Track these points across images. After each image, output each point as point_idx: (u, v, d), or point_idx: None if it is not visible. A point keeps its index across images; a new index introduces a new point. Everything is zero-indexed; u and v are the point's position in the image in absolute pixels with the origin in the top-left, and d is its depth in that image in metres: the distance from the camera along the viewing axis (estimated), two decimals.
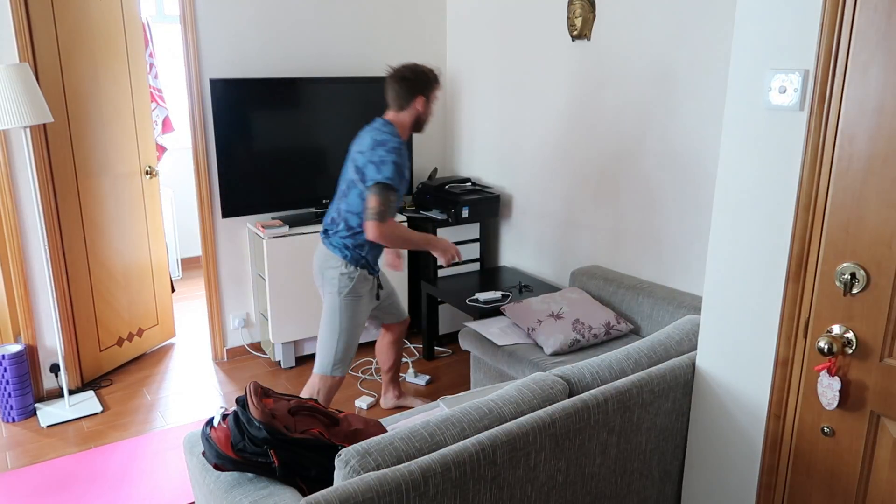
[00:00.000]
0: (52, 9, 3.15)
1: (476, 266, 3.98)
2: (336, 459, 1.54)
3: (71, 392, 3.42)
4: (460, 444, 1.55)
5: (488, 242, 4.09)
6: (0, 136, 3.05)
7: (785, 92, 1.60)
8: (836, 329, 1.59)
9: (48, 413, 3.22)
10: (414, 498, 1.44)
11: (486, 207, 3.82)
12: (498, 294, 3.29)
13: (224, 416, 1.76)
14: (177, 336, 4.22)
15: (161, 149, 4.94)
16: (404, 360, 3.79)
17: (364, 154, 2.55)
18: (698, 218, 2.83)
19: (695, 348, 2.13)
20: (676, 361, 1.98)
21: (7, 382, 3.14)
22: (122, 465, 2.83)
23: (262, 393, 1.79)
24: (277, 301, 3.58)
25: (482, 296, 3.25)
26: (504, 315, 3.10)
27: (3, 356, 3.11)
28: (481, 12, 3.89)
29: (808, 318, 1.65)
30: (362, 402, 3.30)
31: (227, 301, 3.83)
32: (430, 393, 3.46)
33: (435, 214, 3.85)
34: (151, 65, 4.72)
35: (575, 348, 2.78)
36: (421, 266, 3.95)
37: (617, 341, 2.84)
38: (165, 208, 5.13)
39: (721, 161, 1.77)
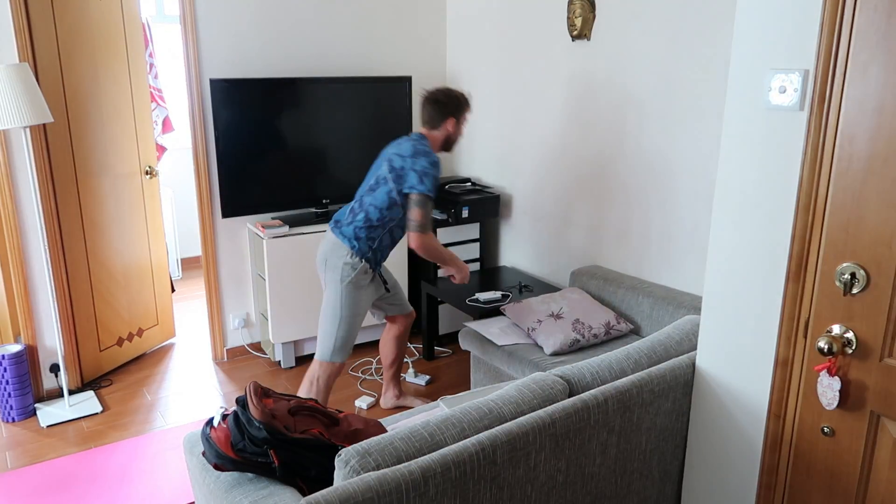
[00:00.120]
0: (51, 9, 3.15)
1: (476, 266, 3.98)
2: (336, 459, 1.54)
3: (71, 392, 3.42)
4: (460, 444, 1.55)
5: (488, 242, 4.09)
6: (0, 136, 3.05)
7: (785, 92, 1.60)
8: (836, 329, 1.59)
9: (48, 413, 3.22)
10: (414, 498, 1.44)
11: (486, 207, 3.82)
12: (498, 294, 3.29)
13: (224, 416, 1.76)
14: (177, 336, 4.22)
15: (161, 149, 4.94)
16: (404, 359, 3.79)
17: (404, 159, 2.66)
18: (698, 217, 2.83)
19: (695, 348, 2.13)
20: (676, 361, 1.98)
21: (7, 382, 3.14)
22: (122, 465, 2.83)
23: (262, 393, 1.79)
24: (277, 301, 3.58)
25: (482, 296, 3.25)
26: (504, 315, 3.10)
27: (3, 356, 3.11)
28: (481, 12, 3.89)
29: (808, 318, 1.65)
30: (362, 402, 3.30)
31: (227, 301, 3.83)
32: (430, 393, 3.46)
33: (435, 214, 3.85)
34: (151, 65, 4.72)
35: (575, 348, 2.78)
36: (421, 266, 3.95)
37: (617, 341, 2.84)
38: (165, 208, 5.13)
39: (721, 161, 1.77)
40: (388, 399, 3.27)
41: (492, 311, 3.17)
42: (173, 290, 4.38)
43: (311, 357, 3.85)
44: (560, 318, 2.85)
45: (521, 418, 1.66)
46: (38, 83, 3.11)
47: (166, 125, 4.94)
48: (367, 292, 2.80)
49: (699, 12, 2.68)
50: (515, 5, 3.62)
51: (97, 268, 3.54)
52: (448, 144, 2.85)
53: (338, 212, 2.85)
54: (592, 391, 1.80)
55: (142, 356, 3.93)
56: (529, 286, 3.47)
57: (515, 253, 3.93)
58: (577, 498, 1.80)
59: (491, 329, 2.98)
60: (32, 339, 3.30)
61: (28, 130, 2.94)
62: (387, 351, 3.19)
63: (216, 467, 1.71)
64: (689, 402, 2.01)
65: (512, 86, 3.74)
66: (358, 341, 3.94)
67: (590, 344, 2.81)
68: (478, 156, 4.12)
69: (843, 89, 1.51)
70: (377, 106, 3.84)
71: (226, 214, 3.57)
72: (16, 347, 3.21)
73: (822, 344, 1.57)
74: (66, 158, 3.32)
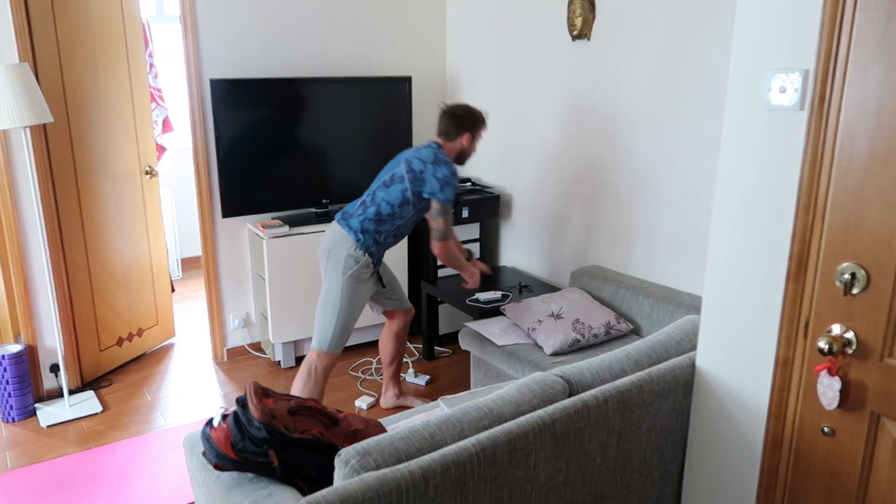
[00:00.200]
0: (52, 9, 3.15)
1: None
2: (336, 459, 1.54)
3: (71, 392, 3.42)
4: (460, 444, 1.55)
5: (488, 242, 4.09)
6: (0, 136, 3.05)
7: (785, 92, 1.60)
8: (836, 329, 1.59)
9: (48, 413, 3.22)
10: (414, 498, 1.44)
11: (486, 207, 3.82)
12: (498, 294, 3.29)
13: (224, 416, 1.76)
14: (177, 336, 4.22)
15: (161, 149, 4.94)
16: (404, 360, 3.79)
17: (425, 164, 2.73)
18: (698, 217, 2.83)
19: (695, 348, 2.13)
20: (676, 361, 1.98)
21: (7, 382, 3.14)
22: (122, 465, 2.83)
23: (262, 393, 1.79)
24: (277, 301, 3.58)
25: (482, 296, 3.25)
26: (504, 315, 3.10)
27: (3, 356, 3.11)
28: (481, 12, 3.89)
29: (809, 318, 1.65)
30: (362, 402, 3.30)
31: (227, 301, 3.83)
32: (430, 393, 3.46)
33: None
34: (151, 65, 4.72)
35: (575, 348, 2.78)
36: (421, 266, 3.95)
37: (617, 341, 2.84)
38: (165, 208, 5.13)
39: (721, 161, 1.77)
40: (388, 399, 3.27)
41: (492, 311, 3.17)
42: (173, 290, 4.38)
43: None
44: (560, 318, 2.85)
45: (521, 418, 1.66)
46: (38, 83, 3.11)
47: (166, 125, 4.94)
48: (367, 286, 2.85)
49: (699, 12, 2.68)
50: (515, 5, 3.62)
51: (97, 268, 3.54)
52: (461, 158, 2.91)
53: (347, 205, 2.91)
54: (592, 391, 1.80)
55: (142, 356, 3.93)
56: (529, 286, 3.47)
57: (515, 253, 3.93)
58: (577, 498, 1.80)
59: (491, 329, 2.98)
60: (32, 339, 3.30)
61: (28, 130, 2.94)
62: (386, 349, 3.20)
63: (216, 467, 1.71)
64: (689, 402, 2.01)
65: (512, 86, 3.75)
66: (358, 341, 3.95)
67: (590, 344, 2.81)
68: (478, 156, 4.12)
69: (843, 89, 1.51)
70: (377, 106, 3.84)
71: (226, 214, 3.57)
72: (16, 347, 3.21)
73: (823, 344, 1.57)
74: (66, 158, 3.32)
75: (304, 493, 1.70)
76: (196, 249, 5.48)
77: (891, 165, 1.45)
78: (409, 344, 4.02)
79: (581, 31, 3.20)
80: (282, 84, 3.56)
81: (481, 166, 4.11)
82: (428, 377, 3.58)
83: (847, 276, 1.54)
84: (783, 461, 1.78)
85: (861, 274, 1.53)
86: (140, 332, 3.88)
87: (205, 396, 3.46)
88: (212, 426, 1.76)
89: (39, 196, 3.13)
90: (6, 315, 3.38)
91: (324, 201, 3.81)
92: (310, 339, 3.72)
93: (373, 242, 2.79)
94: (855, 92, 1.49)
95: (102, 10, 3.44)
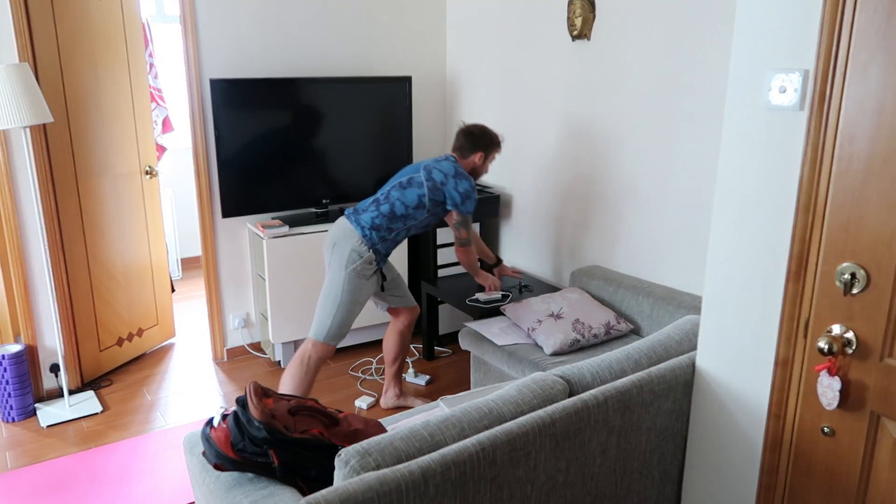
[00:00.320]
0: (52, 9, 3.15)
1: None
2: (336, 459, 1.54)
3: (71, 392, 3.42)
4: (460, 444, 1.55)
5: (488, 242, 4.09)
6: (0, 136, 3.05)
7: (785, 92, 1.60)
8: (836, 329, 1.59)
9: (48, 413, 3.22)
10: (414, 498, 1.44)
11: (486, 207, 3.82)
12: (498, 294, 3.29)
13: (224, 416, 1.76)
14: (177, 336, 4.22)
15: (161, 149, 4.94)
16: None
17: (447, 177, 2.84)
18: (698, 217, 2.83)
19: (695, 348, 2.13)
20: (676, 361, 1.98)
21: (7, 382, 3.14)
22: (122, 465, 2.83)
23: (262, 393, 1.79)
24: (277, 301, 3.58)
25: (482, 296, 3.25)
26: (504, 315, 3.10)
27: (3, 356, 3.12)
28: (481, 12, 3.89)
29: (808, 318, 1.65)
30: (362, 402, 3.30)
31: (227, 301, 3.83)
32: (430, 393, 3.46)
33: None
34: (151, 65, 4.72)
35: (575, 348, 2.78)
36: (422, 266, 3.95)
37: (617, 341, 2.84)
38: (165, 208, 5.13)
39: (721, 161, 1.77)
40: (388, 398, 3.27)
41: (492, 311, 3.17)
42: (173, 290, 4.38)
43: None
44: (560, 318, 2.85)
45: (521, 418, 1.66)
46: (38, 83, 3.11)
47: (166, 125, 4.94)
48: (369, 284, 2.87)
49: (699, 12, 2.68)
50: (515, 5, 3.62)
51: (97, 268, 3.55)
52: (473, 175, 2.99)
53: (359, 203, 2.98)
54: (592, 391, 1.80)
55: (142, 356, 3.93)
56: (529, 286, 3.47)
57: (515, 253, 3.93)
58: (577, 498, 1.80)
59: (491, 329, 2.98)
60: (32, 339, 3.31)
61: (28, 130, 2.94)
62: (389, 346, 3.21)
63: (216, 467, 1.71)
64: (689, 402, 2.01)
65: (512, 86, 3.75)
66: (358, 341, 3.95)
67: (590, 344, 2.81)
68: None
69: (843, 89, 1.51)
70: (377, 106, 3.84)
71: (226, 214, 3.57)
72: (16, 347, 3.21)
73: (822, 344, 1.57)
74: (66, 158, 3.32)
75: (304, 493, 1.70)
76: (196, 249, 5.48)
77: (891, 165, 1.45)
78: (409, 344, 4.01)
79: (581, 31, 3.20)
80: (282, 84, 3.56)
81: None
82: (428, 377, 3.58)
83: (847, 276, 1.54)
84: (783, 461, 1.78)
85: (861, 274, 1.53)
86: (140, 332, 3.88)
87: (205, 396, 3.46)
88: (212, 426, 1.76)
89: (39, 196, 3.13)
90: (6, 315, 3.38)
91: (324, 201, 3.81)
92: None
93: (380, 240, 2.83)
94: (855, 92, 1.49)
95: (102, 10, 3.44)
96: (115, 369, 3.74)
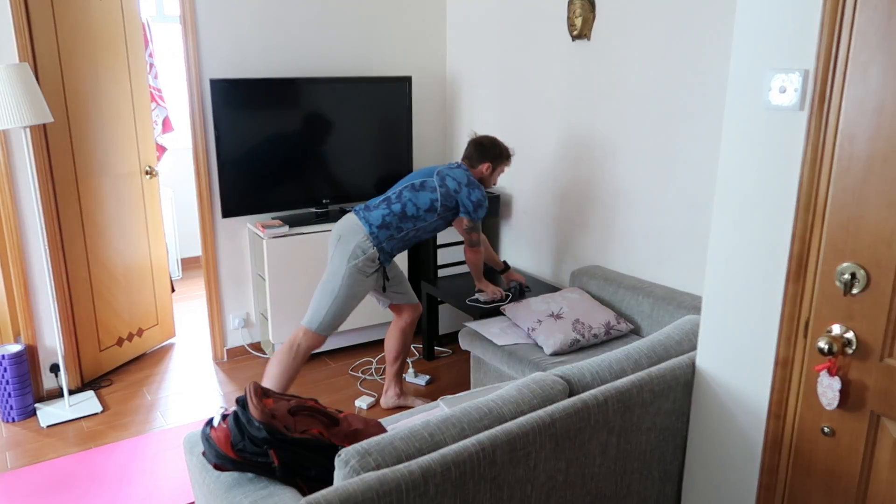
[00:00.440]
0: (52, 9, 3.15)
1: None
2: (336, 459, 1.54)
3: (71, 392, 3.42)
4: (460, 444, 1.55)
5: (489, 243, 4.09)
6: (0, 136, 3.05)
7: (785, 92, 1.60)
8: (836, 329, 1.59)
9: (48, 413, 3.22)
10: (414, 498, 1.44)
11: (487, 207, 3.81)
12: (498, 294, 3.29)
13: (224, 416, 1.76)
14: (177, 336, 4.22)
15: (161, 149, 4.94)
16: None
17: (460, 185, 2.91)
18: (698, 217, 2.83)
19: (695, 348, 2.13)
20: (676, 361, 1.98)
21: (7, 382, 3.14)
22: (122, 465, 2.83)
23: (262, 393, 1.79)
24: (277, 301, 3.58)
25: (482, 296, 3.25)
26: (504, 315, 3.10)
27: (3, 356, 3.12)
28: (481, 12, 3.89)
29: (808, 318, 1.65)
30: (362, 402, 3.30)
31: (227, 301, 3.83)
32: (430, 393, 3.46)
33: None
34: (151, 65, 4.72)
35: (575, 348, 2.78)
36: (422, 266, 3.95)
37: (617, 341, 2.84)
38: (165, 208, 5.13)
39: (721, 161, 1.77)
40: (388, 398, 3.27)
41: (492, 311, 3.17)
42: (173, 290, 4.38)
43: (311, 357, 3.85)
44: (560, 318, 2.85)
45: (521, 418, 1.66)
46: (38, 83, 3.11)
47: (166, 125, 4.94)
48: (369, 281, 2.88)
49: (699, 12, 2.68)
50: (515, 5, 3.62)
51: (97, 268, 3.55)
52: (481, 184, 3.03)
53: (369, 200, 3.01)
54: (592, 391, 1.80)
55: (142, 356, 3.93)
56: (528, 286, 3.47)
57: (515, 253, 3.93)
58: (577, 498, 1.80)
59: (491, 329, 2.98)
60: (32, 339, 3.31)
61: (28, 130, 2.94)
62: (391, 345, 3.21)
63: (216, 467, 1.71)
64: (689, 402, 2.01)
65: (512, 86, 3.75)
66: (358, 341, 3.95)
67: (590, 344, 2.81)
68: None
69: (843, 89, 1.51)
70: (377, 106, 3.84)
71: (226, 214, 3.57)
72: (16, 347, 3.21)
73: (823, 344, 1.57)
74: (66, 158, 3.32)
75: (304, 493, 1.70)
76: (196, 249, 5.48)
77: (891, 165, 1.45)
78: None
79: (581, 31, 3.20)
80: (282, 84, 3.56)
81: None
82: (428, 377, 3.58)
83: (847, 276, 1.54)
84: (783, 461, 1.78)
85: (861, 274, 1.53)
86: (140, 332, 3.88)
87: (205, 396, 3.46)
88: (212, 426, 1.76)
89: (39, 196, 3.13)
90: (6, 315, 3.38)
91: (324, 201, 3.81)
92: None
93: (387, 238, 2.85)
94: (855, 92, 1.49)
95: (102, 10, 3.44)
96: (115, 369, 3.74)
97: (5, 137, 3.08)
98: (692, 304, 2.71)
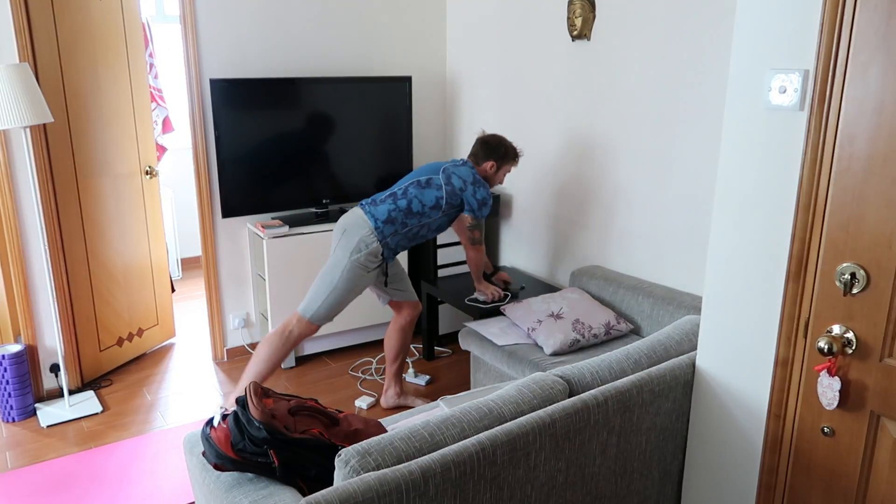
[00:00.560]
0: (52, 9, 3.15)
1: None
2: (336, 459, 1.54)
3: (71, 392, 3.42)
4: (460, 444, 1.55)
5: (488, 242, 4.09)
6: (0, 136, 3.05)
7: (785, 92, 1.60)
8: (836, 329, 1.59)
9: (48, 413, 3.22)
10: (414, 498, 1.44)
11: None
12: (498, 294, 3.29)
13: (224, 416, 1.76)
14: (177, 336, 4.22)
15: (161, 149, 4.94)
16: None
17: (466, 183, 2.92)
18: (698, 217, 2.83)
19: (695, 348, 2.13)
20: (676, 361, 1.98)
21: (7, 382, 3.14)
22: (122, 465, 2.83)
23: (262, 393, 1.79)
24: (277, 301, 3.58)
25: (482, 296, 3.25)
26: (504, 315, 3.10)
27: (3, 356, 3.12)
28: (482, 12, 3.89)
29: (808, 318, 1.65)
30: (362, 402, 3.30)
31: (227, 301, 3.83)
32: (430, 393, 3.46)
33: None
34: (151, 65, 4.72)
35: (575, 348, 2.78)
36: (422, 265, 3.95)
37: (617, 341, 2.84)
38: (165, 208, 5.13)
39: (721, 161, 1.77)
40: (388, 398, 3.27)
41: (492, 311, 3.17)
42: (173, 290, 4.38)
43: (311, 357, 3.85)
44: (560, 318, 2.85)
45: (521, 418, 1.66)
46: (38, 83, 3.11)
47: (166, 125, 4.94)
48: (369, 276, 2.89)
49: (699, 12, 2.68)
50: (515, 5, 3.62)
51: (97, 268, 3.55)
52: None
53: (376, 194, 3.03)
54: (592, 391, 1.80)
55: (142, 356, 3.93)
56: (525, 287, 3.47)
57: (515, 253, 3.93)
58: (577, 498, 1.80)
59: (491, 329, 2.98)
60: (32, 339, 3.31)
61: (28, 130, 2.94)
62: (391, 343, 3.21)
63: (216, 467, 1.71)
64: (689, 402, 2.01)
65: (512, 86, 3.75)
66: (358, 341, 3.95)
67: (590, 344, 2.81)
68: None
69: (843, 89, 1.51)
70: (377, 106, 3.84)
71: (226, 214, 3.57)
72: (16, 347, 3.21)
73: (822, 344, 1.57)
74: (66, 158, 3.32)
75: (304, 493, 1.70)
76: (196, 249, 5.48)
77: (891, 165, 1.45)
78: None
79: (581, 31, 3.20)
80: (282, 84, 3.56)
81: None
82: (428, 377, 3.58)
83: (847, 276, 1.55)
84: (783, 461, 1.78)
85: (861, 274, 1.53)
86: (140, 332, 3.88)
87: (205, 396, 3.46)
88: (212, 426, 1.76)
89: (39, 196, 3.13)
90: (6, 315, 3.38)
91: (324, 201, 3.81)
92: (309, 339, 3.72)
93: (391, 233, 2.85)
94: (855, 92, 1.49)
95: (102, 10, 3.44)
96: (115, 369, 3.74)
97: (5, 137, 3.08)
98: (692, 304, 2.71)
